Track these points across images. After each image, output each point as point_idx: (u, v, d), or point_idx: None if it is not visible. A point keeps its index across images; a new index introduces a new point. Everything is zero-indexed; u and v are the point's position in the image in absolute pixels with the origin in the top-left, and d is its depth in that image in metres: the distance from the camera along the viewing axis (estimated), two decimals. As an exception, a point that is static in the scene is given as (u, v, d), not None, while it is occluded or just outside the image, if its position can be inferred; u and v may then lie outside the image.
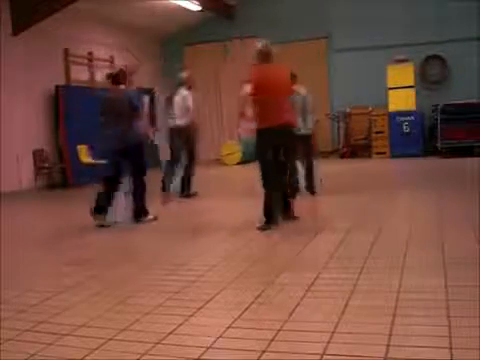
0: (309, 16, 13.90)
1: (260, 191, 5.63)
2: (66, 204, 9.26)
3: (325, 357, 2.50)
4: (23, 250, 5.38)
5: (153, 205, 6.79)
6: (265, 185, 5.55)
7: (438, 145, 12.35)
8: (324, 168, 11.99)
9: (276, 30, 14.01)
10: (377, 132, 13.34)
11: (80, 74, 12.21)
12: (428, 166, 11.22)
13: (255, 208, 5.65)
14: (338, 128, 14.23)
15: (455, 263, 3.87)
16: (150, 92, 14.50)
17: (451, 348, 2.48)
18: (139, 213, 6.41)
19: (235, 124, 5.83)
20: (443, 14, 12.86)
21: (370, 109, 13.40)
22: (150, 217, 6.44)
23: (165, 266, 4.43)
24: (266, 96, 5.41)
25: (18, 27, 10.24)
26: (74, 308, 3.43)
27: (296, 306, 3.20)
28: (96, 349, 2.74)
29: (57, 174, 11.18)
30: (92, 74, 12.58)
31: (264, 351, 2.61)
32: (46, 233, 6.30)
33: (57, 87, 11.11)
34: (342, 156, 13.84)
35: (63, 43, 11.60)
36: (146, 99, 7.85)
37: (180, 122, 8.19)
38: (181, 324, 3.02)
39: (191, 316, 3.15)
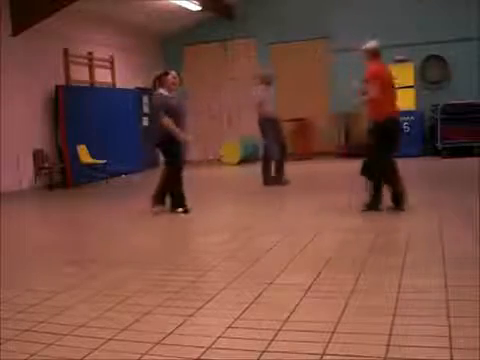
0: (309, 16, 13.87)
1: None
2: (66, 204, 9.25)
3: (325, 357, 2.50)
4: (23, 250, 5.38)
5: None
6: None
7: (438, 145, 12.33)
8: (324, 168, 12.04)
9: (276, 30, 14.04)
10: (377, 132, 13.32)
11: (80, 74, 12.19)
12: (428, 166, 11.21)
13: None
14: (338, 128, 14.20)
15: (455, 263, 3.87)
16: (149, 92, 14.59)
17: (451, 348, 2.48)
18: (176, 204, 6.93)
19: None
20: (443, 14, 12.84)
21: (370, 109, 13.36)
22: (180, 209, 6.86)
23: (165, 266, 4.43)
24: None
25: (18, 27, 10.22)
26: (74, 308, 3.43)
27: (296, 306, 3.20)
28: (96, 349, 2.74)
29: (57, 174, 11.15)
30: (92, 74, 12.57)
31: (264, 351, 2.61)
32: (46, 233, 6.30)
33: (57, 87, 11.09)
34: (341, 156, 13.81)
35: (63, 43, 11.57)
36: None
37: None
38: (181, 324, 3.03)
39: (191, 316, 3.15)
